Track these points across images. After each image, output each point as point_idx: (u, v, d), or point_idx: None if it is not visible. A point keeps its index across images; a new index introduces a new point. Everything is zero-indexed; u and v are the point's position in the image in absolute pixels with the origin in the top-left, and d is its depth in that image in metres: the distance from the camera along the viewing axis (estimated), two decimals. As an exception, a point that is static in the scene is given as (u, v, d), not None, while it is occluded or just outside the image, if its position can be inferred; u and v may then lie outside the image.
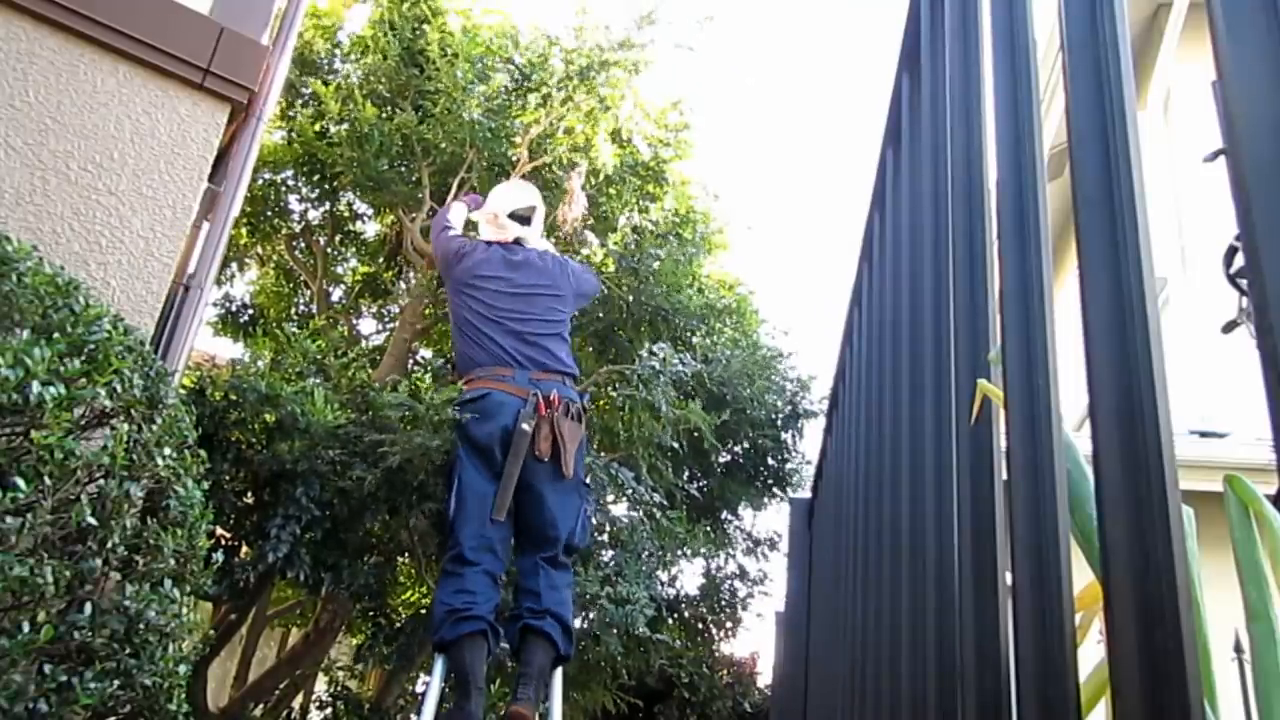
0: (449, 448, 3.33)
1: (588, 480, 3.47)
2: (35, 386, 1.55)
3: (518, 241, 3.65)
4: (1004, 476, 0.86)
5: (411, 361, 5.51)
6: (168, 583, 1.80)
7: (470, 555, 2.94)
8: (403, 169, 4.81)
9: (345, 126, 4.70)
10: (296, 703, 4.72)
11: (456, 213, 3.83)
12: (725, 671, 6.15)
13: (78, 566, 1.62)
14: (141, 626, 1.72)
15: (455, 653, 2.83)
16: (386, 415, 3.38)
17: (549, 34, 4.99)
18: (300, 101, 5.02)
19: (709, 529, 5.58)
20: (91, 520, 1.61)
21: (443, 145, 4.64)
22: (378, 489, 3.33)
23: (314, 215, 5.58)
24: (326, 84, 4.76)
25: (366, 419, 3.46)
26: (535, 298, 3.47)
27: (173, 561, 1.82)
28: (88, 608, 1.65)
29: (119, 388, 1.75)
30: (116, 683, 1.66)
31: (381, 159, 4.61)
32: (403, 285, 5.54)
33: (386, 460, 3.28)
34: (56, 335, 1.69)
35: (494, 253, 3.57)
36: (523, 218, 3.70)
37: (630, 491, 4.27)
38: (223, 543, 3.39)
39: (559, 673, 3.03)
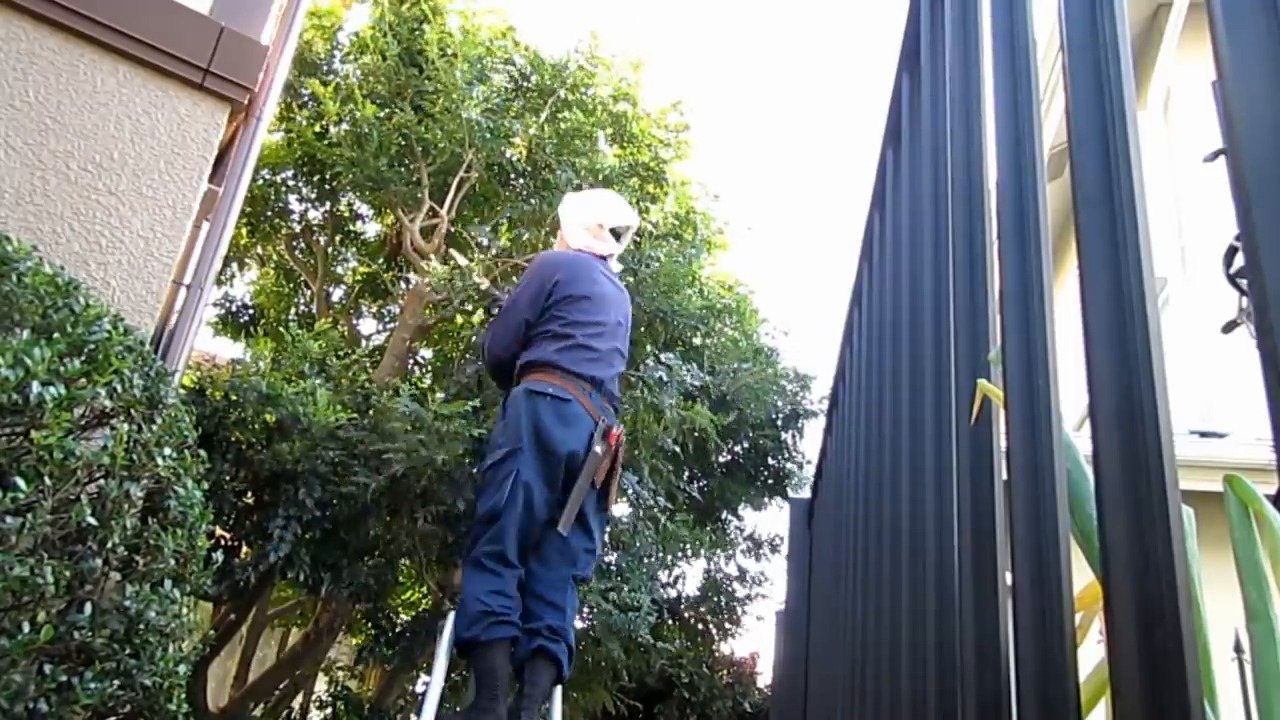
0: (456, 459, 3.31)
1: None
2: (35, 386, 1.55)
3: (607, 259, 3.43)
4: (1004, 476, 0.86)
5: (412, 361, 5.51)
6: (168, 583, 1.80)
7: (513, 557, 2.88)
8: (402, 169, 4.81)
9: (345, 126, 4.71)
10: (296, 703, 4.72)
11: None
12: (725, 671, 6.15)
13: (78, 566, 1.62)
14: (141, 627, 1.72)
15: (487, 654, 2.80)
16: (391, 425, 3.36)
17: (542, 55, 4.99)
18: (300, 102, 5.02)
19: (710, 530, 5.58)
20: (91, 520, 1.61)
21: (442, 145, 4.64)
22: (380, 495, 3.32)
23: (314, 215, 5.58)
24: (326, 84, 4.76)
25: (368, 421, 3.45)
26: (619, 326, 3.32)
27: (173, 561, 1.82)
28: (88, 608, 1.65)
29: (119, 388, 1.75)
30: (116, 683, 1.66)
31: (381, 159, 4.61)
32: (403, 285, 5.53)
33: (390, 468, 3.27)
34: (56, 335, 1.69)
35: (591, 264, 3.32)
36: (619, 235, 3.49)
37: (633, 495, 4.27)
38: (223, 543, 3.40)
39: (551, 695, 3.03)
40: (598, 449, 3.03)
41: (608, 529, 3.62)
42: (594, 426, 3.07)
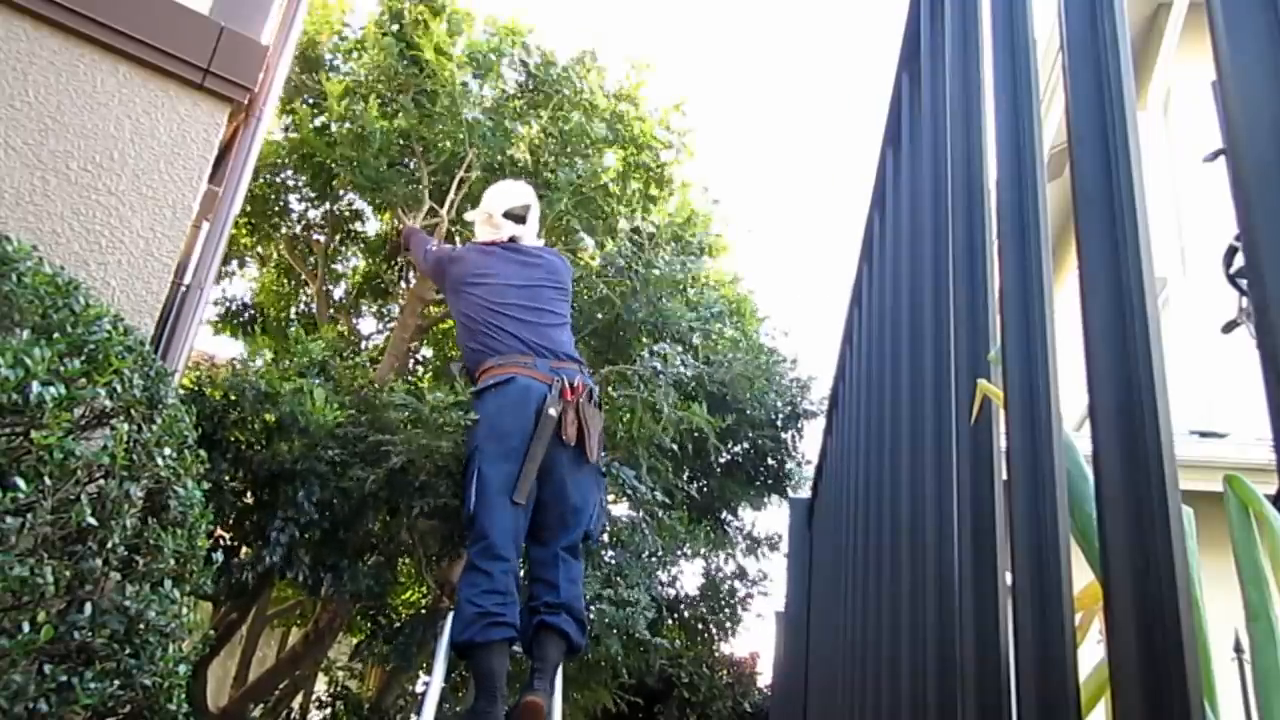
0: (454, 450, 3.32)
1: (603, 470, 3.50)
2: (35, 386, 1.55)
3: (513, 240, 3.64)
4: (1004, 476, 0.86)
5: (412, 361, 5.51)
6: (168, 583, 1.80)
7: (500, 549, 2.92)
8: (403, 168, 4.80)
9: (346, 126, 4.70)
10: (296, 703, 4.72)
11: (419, 238, 4.00)
12: (725, 671, 6.14)
13: (78, 566, 1.62)
14: (141, 626, 1.72)
15: (483, 656, 2.81)
16: (389, 417, 3.38)
17: (544, 54, 5.00)
18: (300, 100, 5.02)
19: (709, 529, 5.57)
20: (91, 520, 1.61)
21: (444, 144, 4.64)
22: (379, 490, 3.32)
23: (314, 214, 5.57)
24: (328, 81, 4.75)
25: (367, 419, 3.46)
26: (540, 290, 3.46)
27: (173, 561, 1.82)
28: (88, 608, 1.65)
29: (119, 388, 1.75)
30: (116, 683, 1.66)
31: (382, 158, 4.60)
32: (403, 285, 5.53)
33: (389, 460, 3.28)
34: (56, 335, 1.69)
35: (490, 252, 3.56)
36: (518, 217, 3.68)
37: (631, 491, 4.27)
38: (222, 543, 3.40)
39: (560, 669, 3.04)
40: (551, 411, 3.06)
41: (605, 527, 3.65)
42: (546, 390, 3.10)
